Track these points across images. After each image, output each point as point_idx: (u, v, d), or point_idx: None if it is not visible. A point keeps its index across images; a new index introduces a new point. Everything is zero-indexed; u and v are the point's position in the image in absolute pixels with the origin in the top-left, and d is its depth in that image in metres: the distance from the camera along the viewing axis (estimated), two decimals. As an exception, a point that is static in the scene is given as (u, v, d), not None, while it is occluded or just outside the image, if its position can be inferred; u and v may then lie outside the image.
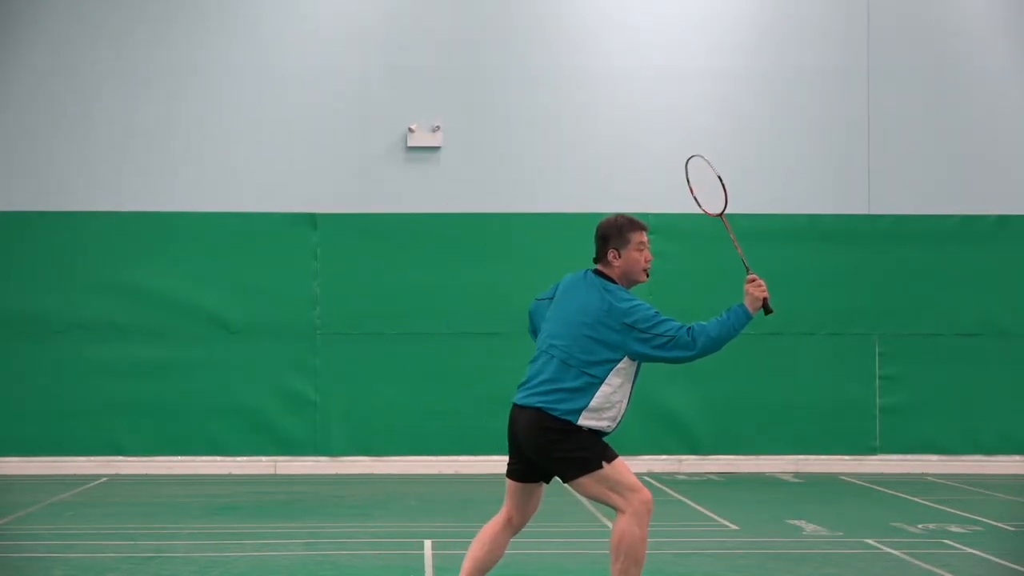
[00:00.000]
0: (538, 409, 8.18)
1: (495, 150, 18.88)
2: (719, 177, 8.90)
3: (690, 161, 9.14)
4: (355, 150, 18.82)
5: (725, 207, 8.82)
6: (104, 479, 17.68)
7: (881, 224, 18.96)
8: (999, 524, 13.76)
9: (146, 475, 18.10)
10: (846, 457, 18.78)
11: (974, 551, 12.08)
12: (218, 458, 18.40)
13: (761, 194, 18.92)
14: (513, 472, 8.43)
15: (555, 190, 18.83)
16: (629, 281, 8.54)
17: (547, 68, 19.00)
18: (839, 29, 19.17)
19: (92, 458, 18.25)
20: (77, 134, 18.59)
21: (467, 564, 8.39)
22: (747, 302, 8.51)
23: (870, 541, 12.66)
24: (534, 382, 8.28)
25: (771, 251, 18.75)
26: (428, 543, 12.17)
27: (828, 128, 19.14)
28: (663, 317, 8.22)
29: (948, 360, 18.84)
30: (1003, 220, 19.00)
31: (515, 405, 8.33)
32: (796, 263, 18.81)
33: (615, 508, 8.19)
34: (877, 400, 18.81)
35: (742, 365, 18.70)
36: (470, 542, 8.44)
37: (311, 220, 18.61)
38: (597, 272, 8.54)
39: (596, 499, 8.24)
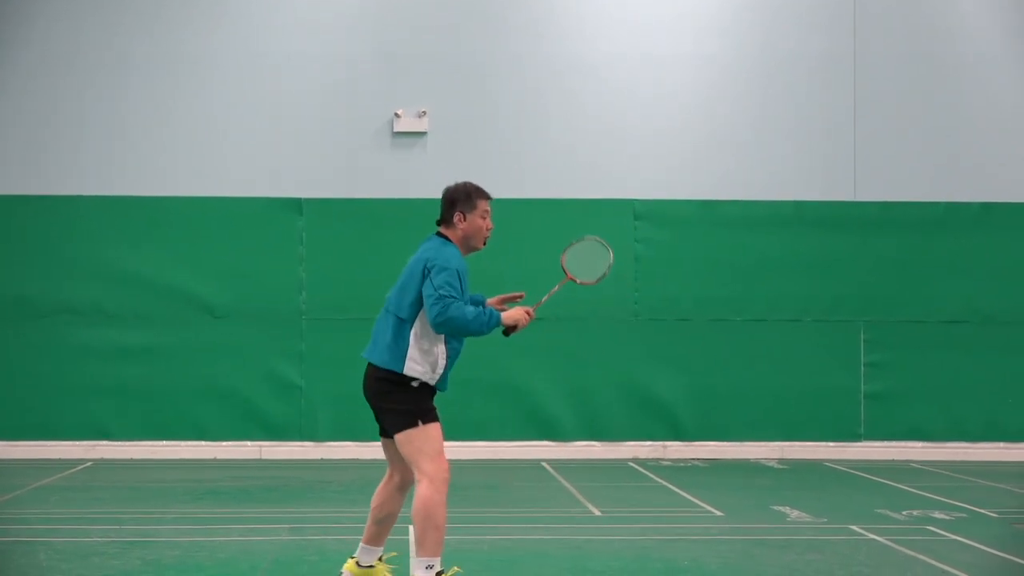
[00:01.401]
0: (370, 362, 8.81)
1: (481, 136, 18.88)
2: (604, 275, 9.24)
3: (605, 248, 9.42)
4: (341, 135, 18.80)
5: (576, 283, 9.17)
6: (89, 463, 17.67)
7: (866, 211, 18.99)
8: (983, 511, 13.80)
9: (131, 459, 18.09)
10: (831, 444, 18.81)
11: (958, 537, 12.11)
12: (203, 443, 18.39)
13: (747, 181, 18.95)
14: (378, 429, 9.05)
15: (541, 176, 18.83)
16: (468, 247, 8.97)
17: (534, 54, 18.99)
18: (826, 16, 19.18)
19: (77, 442, 18.23)
20: (64, 119, 18.56)
21: (369, 517, 9.21)
22: (507, 315, 8.80)
23: (854, 527, 12.69)
24: (372, 338, 8.91)
25: (757, 238, 18.81)
26: (411, 528, 12.16)
27: (814, 115, 19.15)
28: (455, 282, 8.58)
29: (933, 347, 18.88)
30: (987, 207, 19.03)
31: (366, 362, 8.92)
32: (782, 250, 18.84)
33: (418, 471, 8.64)
34: (862, 387, 18.85)
35: (727, 351, 18.76)
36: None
37: (297, 205, 18.59)
38: (439, 234, 8.97)
39: (408, 458, 8.71)
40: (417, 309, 8.68)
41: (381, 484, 9.17)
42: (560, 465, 17.70)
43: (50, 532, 12.21)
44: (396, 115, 18.75)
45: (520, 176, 18.73)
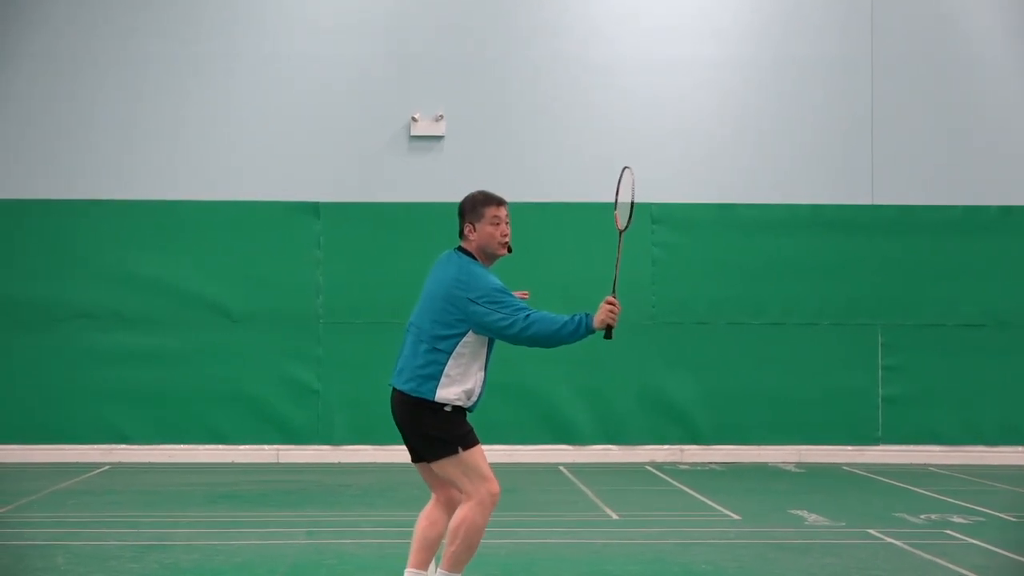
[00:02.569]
0: (399, 391, 8.53)
1: (498, 139, 18.88)
2: (633, 200, 8.88)
3: (624, 171, 9.13)
4: (358, 139, 18.82)
5: (627, 227, 8.81)
6: (106, 467, 17.69)
7: (884, 214, 18.95)
8: (1001, 515, 13.77)
9: (148, 463, 18.11)
10: (848, 447, 18.78)
11: (976, 541, 12.09)
12: (221, 446, 18.41)
13: (764, 184, 18.93)
14: (411, 455, 8.72)
15: (558, 179, 18.82)
16: (487, 255, 8.69)
17: (551, 57, 18.99)
18: (843, 19, 19.16)
19: (94, 446, 18.26)
20: (80, 123, 18.59)
21: (413, 539, 8.73)
22: (596, 317, 8.42)
23: (872, 531, 12.66)
24: (399, 364, 8.61)
25: (774, 241, 18.78)
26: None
27: (831, 118, 19.12)
28: (508, 296, 8.36)
29: (951, 351, 18.84)
30: (1006, 211, 18.99)
31: (392, 388, 8.66)
32: (799, 253, 18.81)
33: (464, 493, 8.42)
34: (879, 390, 18.81)
35: (744, 355, 18.73)
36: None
37: (314, 209, 18.61)
38: (459, 249, 8.74)
39: (450, 481, 8.50)
40: (456, 338, 8.40)
41: (428, 507, 8.80)
42: (577, 469, 17.69)
43: (67, 536, 12.24)
44: (413, 119, 18.76)
45: (537, 179, 18.72)
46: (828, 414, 18.79)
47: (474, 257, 8.65)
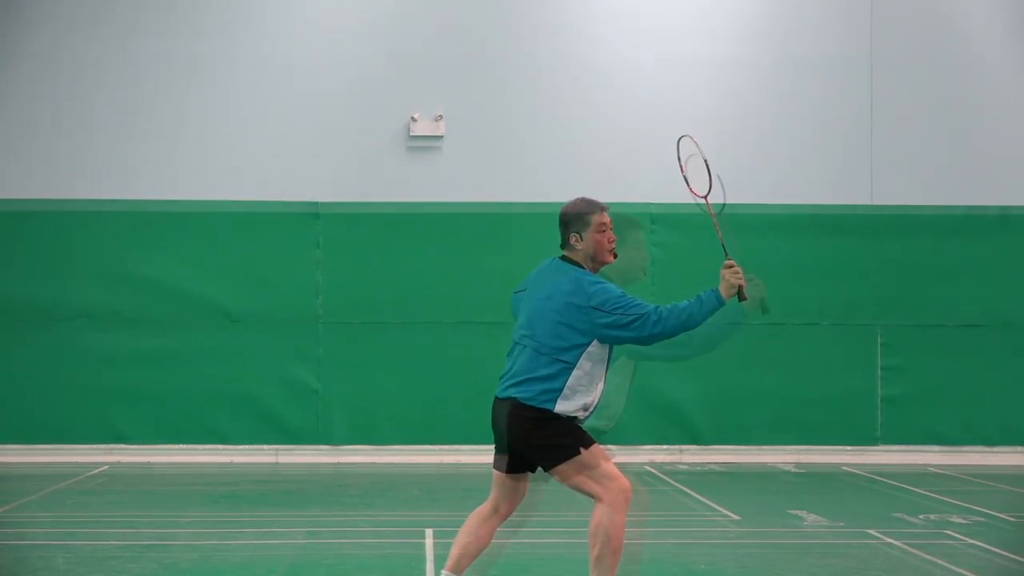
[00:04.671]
0: (514, 400, 8.30)
1: (498, 140, 18.87)
2: (705, 160, 8.83)
3: (681, 140, 9.09)
4: (358, 140, 18.81)
5: (710, 190, 8.74)
6: (105, 468, 17.69)
7: (883, 215, 18.95)
8: (1001, 516, 13.77)
9: (147, 464, 18.10)
10: (848, 448, 18.78)
11: (975, 543, 12.09)
12: (220, 447, 18.40)
13: (763, 185, 18.91)
14: (500, 464, 8.58)
15: (557, 180, 18.79)
16: (596, 264, 8.55)
17: (550, 57, 18.99)
18: (842, 19, 19.15)
19: (94, 447, 18.25)
20: (80, 123, 18.60)
21: (455, 550, 8.56)
22: (722, 287, 8.55)
23: (871, 532, 12.66)
24: (510, 373, 8.39)
25: (773, 242, 18.76)
26: (429, 532, 12.17)
27: (831, 119, 19.12)
28: (630, 297, 8.24)
29: (950, 351, 18.83)
30: (1005, 212, 18.98)
31: (496, 398, 8.52)
32: (798, 254, 18.80)
33: (594, 496, 8.22)
34: (879, 391, 18.80)
35: (744, 356, 18.69)
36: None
37: (313, 209, 18.60)
38: (564, 258, 8.61)
39: (576, 488, 8.27)
40: (579, 350, 8.22)
41: (482, 515, 8.70)
42: (577, 470, 17.65)
43: (67, 536, 12.24)
44: (413, 119, 18.76)
45: (535, 180, 18.69)
46: (827, 415, 18.78)
47: (580, 266, 8.51)
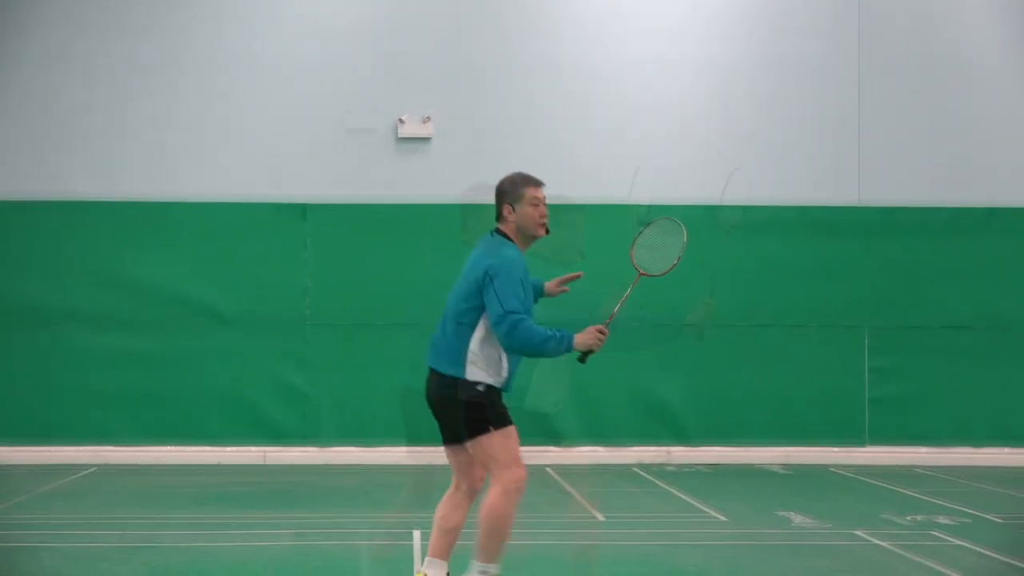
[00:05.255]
0: (432, 369, 8.63)
1: (486, 141, 18.88)
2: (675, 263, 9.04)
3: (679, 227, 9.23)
4: (346, 141, 18.81)
5: (645, 277, 8.95)
6: (94, 468, 17.67)
7: (871, 216, 18.99)
8: (988, 516, 13.80)
9: (136, 464, 18.09)
10: (835, 448, 18.81)
11: (963, 543, 12.11)
12: (208, 447, 18.39)
13: (752, 185, 18.90)
14: (441, 437, 8.78)
15: (546, 180, 18.71)
16: (526, 237, 8.80)
17: (537, 59, 19.00)
18: (830, 20, 19.19)
19: (82, 447, 18.23)
20: (70, 123, 18.58)
21: (432, 536, 8.85)
22: (580, 338, 8.55)
23: (859, 532, 12.69)
24: (433, 344, 8.72)
25: (761, 242, 18.81)
26: (417, 533, 12.17)
27: (819, 119, 19.16)
28: (517, 292, 8.39)
29: (938, 352, 18.88)
30: (993, 212, 19.03)
31: (429, 369, 8.74)
32: (786, 254, 18.84)
33: (491, 476, 8.47)
34: (867, 392, 18.84)
35: (732, 356, 18.75)
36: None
37: (301, 210, 18.60)
38: (496, 231, 8.83)
39: (481, 462, 8.56)
40: (478, 314, 8.50)
41: (447, 494, 8.88)
42: (564, 470, 17.69)
43: (55, 537, 12.23)
44: (400, 120, 18.76)
45: (524, 181, 18.69)
46: (815, 415, 18.81)
47: (510, 239, 8.73)
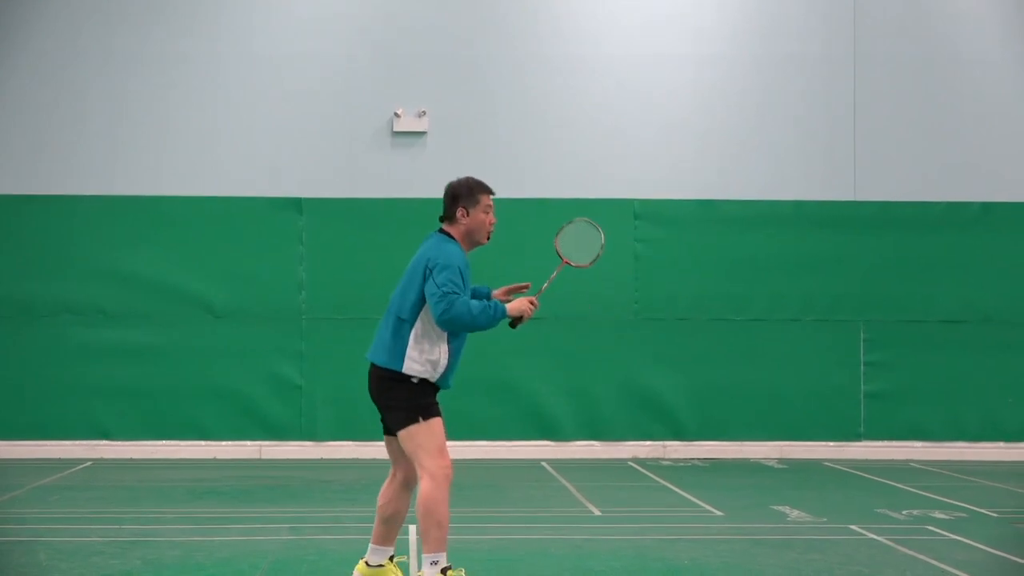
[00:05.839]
0: (372, 363, 8.84)
1: (481, 135, 18.88)
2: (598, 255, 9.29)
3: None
4: (341, 135, 18.80)
5: (569, 266, 9.19)
6: (89, 463, 17.67)
7: (866, 211, 19.00)
8: (982, 510, 13.80)
9: (131, 459, 18.09)
10: (830, 443, 18.82)
11: (957, 537, 12.12)
12: (203, 442, 18.39)
13: (747, 181, 18.96)
14: (383, 427, 8.97)
15: (541, 175, 18.83)
16: (472, 241, 9.00)
17: (534, 54, 18.99)
18: (825, 16, 19.18)
19: (77, 442, 18.23)
20: (65, 119, 18.56)
21: (375, 517, 9.19)
22: (511, 306, 8.86)
23: (854, 527, 12.69)
24: (375, 338, 8.92)
25: (757, 237, 18.82)
26: (412, 528, 12.16)
27: (814, 115, 19.15)
28: (456, 278, 8.63)
29: (933, 346, 18.89)
30: (987, 207, 19.04)
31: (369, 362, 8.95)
32: (781, 249, 18.84)
33: (420, 468, 8.67)
34: (862, 386, 18.85)
35: (727, 351, 18.76)
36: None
37: (297, 205, 18.59)
38: (442, 231, 8.99)
39: (410, 454, 8.74)
40: (418, 309, 8.71)
41: (385, 483, 9.14)
42: (560, 465, 17.70)
43: (50, 532, 12.22)
44: (396, 115, 18.75)
45: (520, 176, 18.73)
46: (810, 410, 18.83)
47: (454, 240, 8.91)
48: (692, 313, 18.81)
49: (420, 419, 8.67)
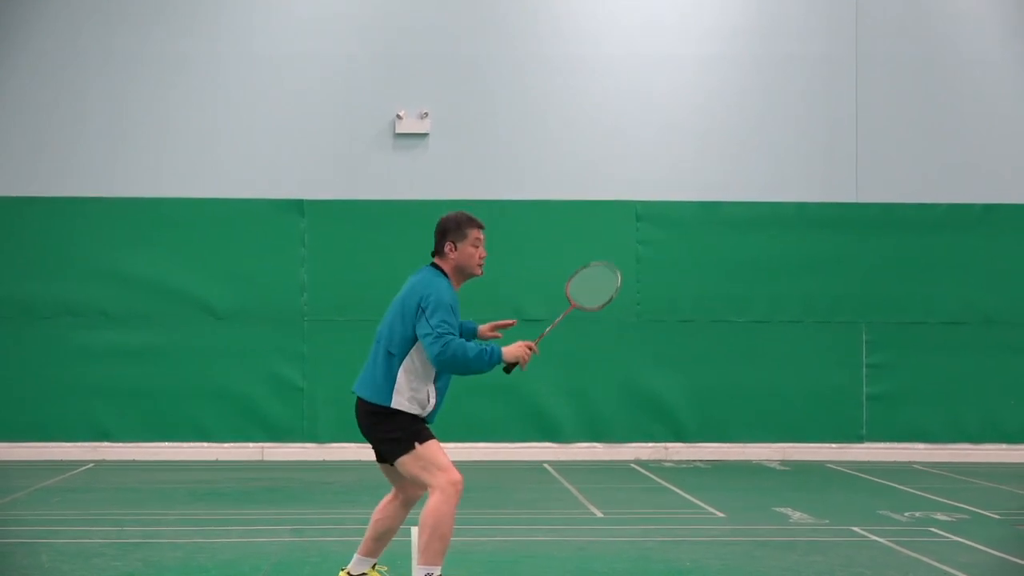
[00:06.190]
0: (359, 398, 8.86)
1: (483, 137, 18.87)
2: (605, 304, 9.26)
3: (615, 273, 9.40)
4: (343, 136, 18.80)
5: (578, 309, 9.15)
6: (91, 465, 17.67)
7: (868, 212, 18.99)
8: (984, 512, 13.80)
9: (133, 461, 18.09)
10: (833, 445, 18.81)
11: (960, 539, 12.11)
12: (205, 444, 18.39)
13: (749, 182, 18.95)
14: (375, 455, 8.99)
15: (542, 177, 18.83)
16: (463, 275, 8.96)
17: (535, 55, 18.99)
18: (827, 17, 19.18)
19: (79, 444, 18.24)
20: (65, 121, 18.56)
21: (367, 529, 9.14)
22: (508, 350, 8.71)
23: (856, 529, 12.68)
24: (363, 371, 8.92)
25: (758, 238, 18.81)
26: (414, 530, 12.14)
27: (816, 116, 19.14)
28: (447, 315, 8.58)
29: (934, 348, 18.88)
30: (989, 209, 19.03)
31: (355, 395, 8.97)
32: (783, 251, 18.84)
33: (429, 485, 8.62)
34: (864, 388, 18.85)
35: (729, 353, 18.75)
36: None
37: (298, 206, 18.60)
38: (432, 265, 8.96)
39: (414, 478, 8.70)
40: (409, 345, 8.68)
41: (385, 500, 9.12)
42: (562, 467, 17.70)
43: (52, 533, 12.22)
44: (398, 116, 18.75)
45: (522, 177, 18.73)
46: (812, 412, 18.82)
47: (445, 274, 8.87)
48: (694, 314, 18.81)
49: (416, 445, 8.64)
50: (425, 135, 18.82)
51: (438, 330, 8.49)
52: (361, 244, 18.57)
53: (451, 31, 19.00)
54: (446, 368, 8.60)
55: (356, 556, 9.21)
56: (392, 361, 8.70)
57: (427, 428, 8.76)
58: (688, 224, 18.86)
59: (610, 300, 9.39)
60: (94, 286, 18.36)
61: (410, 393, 8.67)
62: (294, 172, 18.71)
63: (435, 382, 8.78)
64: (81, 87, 18.62)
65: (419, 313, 8.60)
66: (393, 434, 8.67)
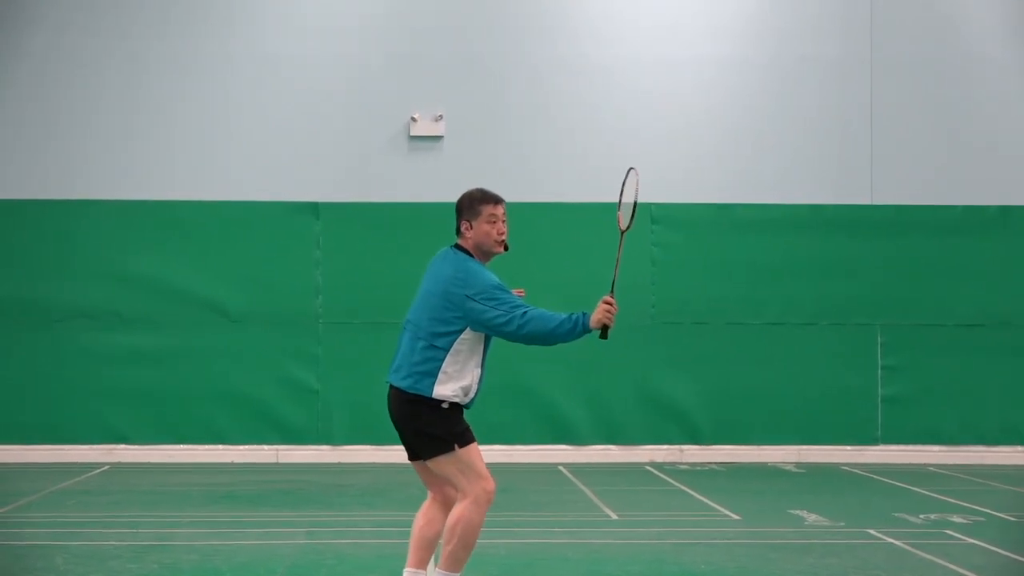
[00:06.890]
0: (396, 388, 8.52)
1: (498, 139, 18.88)
2: (635, 203, 9.02)
3: (630, 172, 9.26)
4: (357, 139, 18.82)
5: (629, 227, 8.90)
6: (106, 467, 17.69)
7: (883, 214, 18.96)
8: (1000, 514, 13.77)
9: (148, 463, 18.11)
10: (848, 447, 18.78)
11: (975, 541, 12.09)
12: (220, 447, 18.41)
13: (763, 184, 18.94)
14: (407, 453, 8.70)
15: (558, 179, 18.83)
16: (484, 253, 8.70)
17: (550, 57, 18.99)
18: (841, 18, 19.16)
19: (94, 446, 18.26)
20: (78, 122, 18.59)
21: (411, 539, 8.72)
22: (593, 317, 8.32)
23: (871, 531, 12.66)
24: (396, 360, 8.58)
25: (773, 240, 18.79)
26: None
27: (830, 118, 19.12)
28: (503, 293, 8.35)
29: (950, 350, 18.84)
30: (1005, 210, 19.00)
31: (389, 385, 8.64)
32: (798, 253, 18.82)
33: (459, 490, 8.41)
34: (879, 390, 18.81)
35: (744, 355, 18.73)
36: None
37: (313, 209, 18.61)
38: (456, 247, 8.74)
39: (447, 479, 8.48)
40: (456, 337, 8.37)
41: (425, 505, 8.77)
42: (577, 469, 17.69)
43: (67, 536, 12.24)
44: (413, 119, 18.76)
45: (536, 179, 18.73)
46: (828, 414, 18.79)
47: (471, 254, 8.64)
48: (709, 317, 18.79)
49: (456, 447, 8.36)
50: (440, 138, 18.83)
51: (507, 306, 8.25)
52: (376, 247, 18.57)
53: (466, 33, 19.01)
54: (530, 342, 8.36)
55: (407, 570, 8.66)
56: (435, 352, 8.37)
57: (469, 429, 8.49)
58: (703, 226, 18.85)
59: (635, 209, 9.16)
60: (109, 289, 18.38)
61: (455, 383, 8.39)
62: (309, 175, 18.72)
63: (480, 367, 8.53)
64: (94, 89, 18.61)
65: (468, 301, 8.32)
66: (432, 429, 8.38)
